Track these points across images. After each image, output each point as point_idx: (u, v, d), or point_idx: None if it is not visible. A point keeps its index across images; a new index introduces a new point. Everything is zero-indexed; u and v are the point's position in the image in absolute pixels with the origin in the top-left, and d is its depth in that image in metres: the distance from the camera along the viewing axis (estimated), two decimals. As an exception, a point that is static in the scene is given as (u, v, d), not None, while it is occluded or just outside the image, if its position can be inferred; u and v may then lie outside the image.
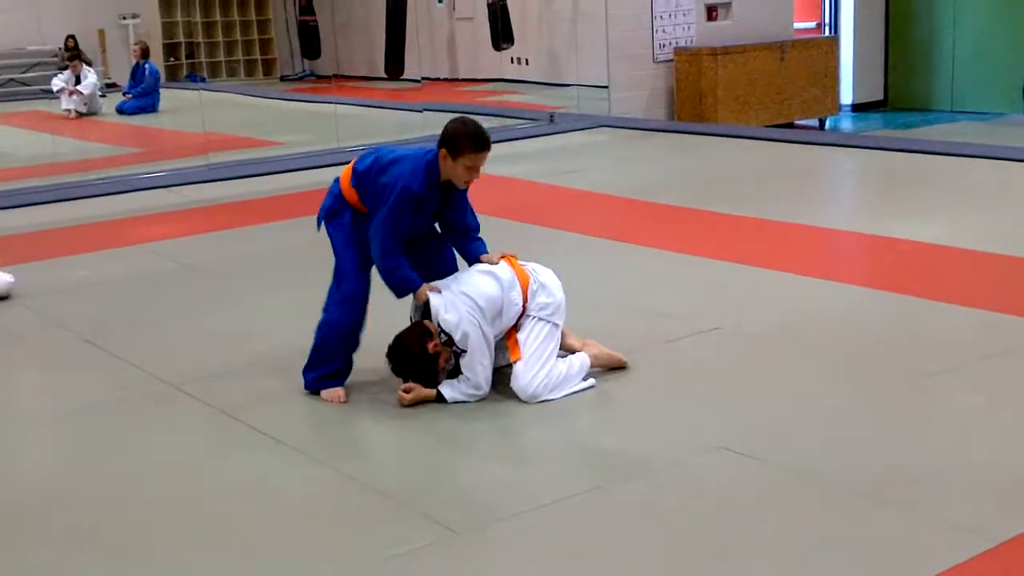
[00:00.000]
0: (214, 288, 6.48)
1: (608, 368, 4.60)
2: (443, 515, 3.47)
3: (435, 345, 4.34)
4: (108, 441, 4.30)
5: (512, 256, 4.61)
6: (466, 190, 4.60)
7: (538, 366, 4.36)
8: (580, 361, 4.49)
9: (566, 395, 4.38)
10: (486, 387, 4.38)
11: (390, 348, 4.42)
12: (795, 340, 4.97)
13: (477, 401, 4.36)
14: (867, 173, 9.54)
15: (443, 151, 4.42)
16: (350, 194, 4.54)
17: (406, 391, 4.35)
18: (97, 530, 3.56)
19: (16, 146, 13.83)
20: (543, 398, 4.34)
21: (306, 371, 4.55)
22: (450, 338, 4.32)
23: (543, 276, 4.58)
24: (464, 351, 4.33)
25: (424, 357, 4.34)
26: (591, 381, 4.46)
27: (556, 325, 4.48)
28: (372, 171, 4.47)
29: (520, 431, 4.20)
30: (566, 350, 4.55)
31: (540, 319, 4.45)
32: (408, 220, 4.38)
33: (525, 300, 4.45)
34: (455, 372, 4.43)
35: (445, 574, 3.18)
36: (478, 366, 4.34)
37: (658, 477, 3.69)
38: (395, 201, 4.33)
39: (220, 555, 3.36)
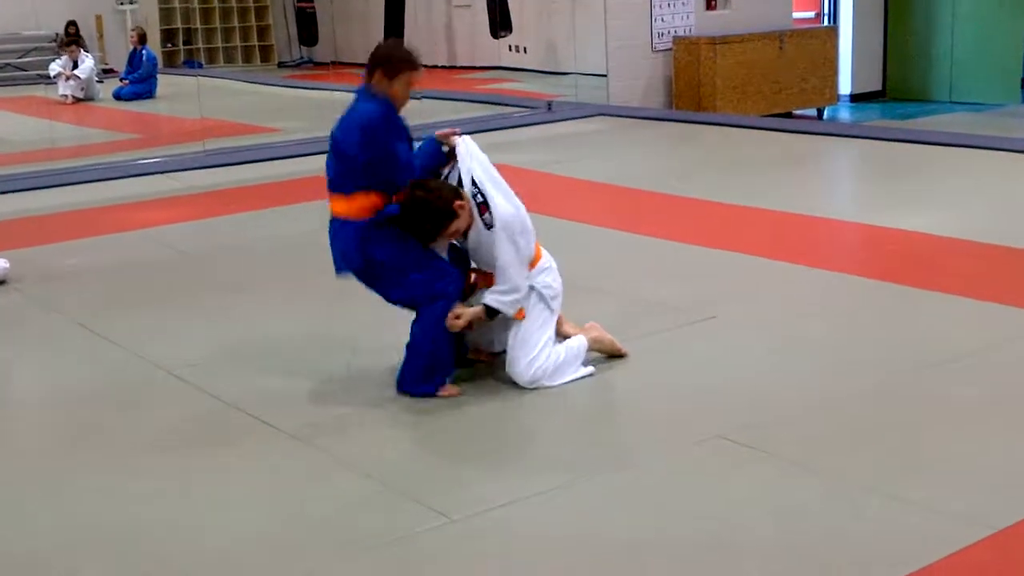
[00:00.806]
0: (210, 274, 6.47)
1: (607, 355, 4.58)
2: (438, 502, 3.47)
3: (461, 206, 4.24)
4: (101, 425, 4.29)
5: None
6: None
7: (536, 351, 4.34)
8: (578, 344, 4.46)
9: (565, 382, 4.37)
10: (524, 286, 4.30)
11: (412, 188, 4.28)
12: (792, 330, 4.96)
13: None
14: (865, 163, 9.53)
15: (379, 74, 4.33)
16: (351, 202, 4.39)
17: (456, 316, 4.26)
18: (83, 516, 3.56)
19: (13, 131, 13.79)
20: (542, 383, 4.33)
21: (422, 384, 4.35)
22: (485, 201, 4.24)
23: (553, 263, 4.56)
24: (492, 227, 4.24)
25: (443, 211, 4.21)
26: (590, 369, 4.45)
27: (553, 312, 4.47)
28: (341, 144, 4.37)
29: (517, 418, 4.19)
30: (561, 337, 4.54)
31: (540, 300, 4.40)
32: (396, 144, 4.29)
33: (532, 267, 4.42)
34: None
35: (441, 561, 3.18)
36: (511, 270, 4.25)
37: (655, 466, 3.69)
38: (377, 137, 4.25)
39: (211, 537, 3.35)
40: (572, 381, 4.38)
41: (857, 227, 6.89)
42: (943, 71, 14.81)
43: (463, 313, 4.28)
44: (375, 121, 4.26)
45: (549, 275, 4.47)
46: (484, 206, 4.27)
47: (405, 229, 4.28)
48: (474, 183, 4.29)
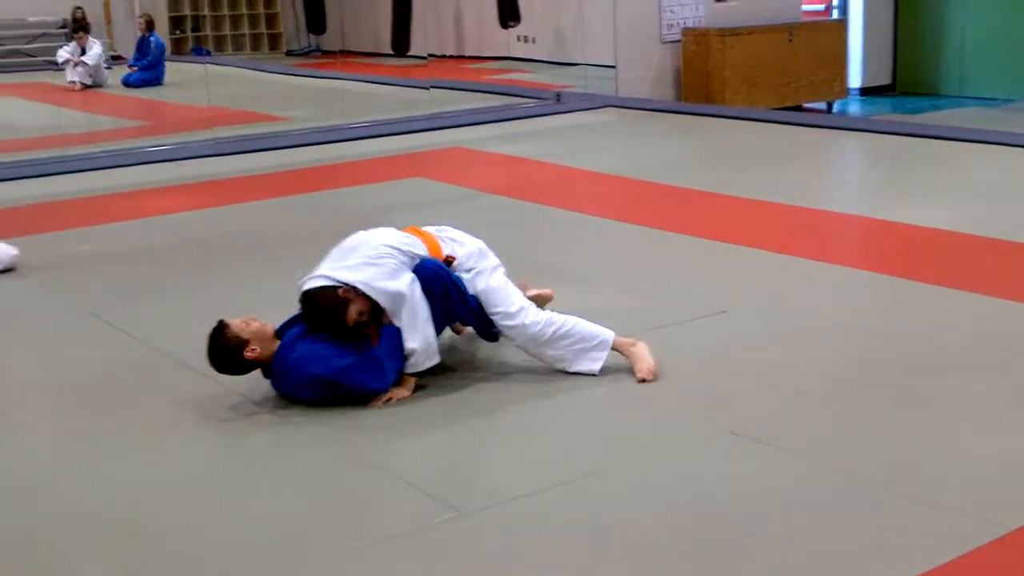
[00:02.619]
0: (218, 263, 6.47)
1: (630, 365, 4.44)
2: (448, 495, 3.46)
3: (346, 291, 4.18)
4: (110, 413, 4.28)
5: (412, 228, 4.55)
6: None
7: (520, 302, 4.34)
8: (595, 330, 4.39)
9: (575, 371, 4.36)
10: (432, 336, 4.25)
11: (302, 305, 4.27)
12: (802, 325, 4.95)
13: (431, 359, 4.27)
14: (875, 157, 9.50)
15: None
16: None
17: (389, 399, 4.20)
18: (94, 504, 3.56)
19: (21, 117, 13.80)
20: (546, 338, 4.30)
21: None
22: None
23: (449, 233, 4.56)
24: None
25: (334, 305, 4.17)
26: (597, 367, 4.39)
27: (496, 266, 4.46)
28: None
29: (527, 412, 4.18)
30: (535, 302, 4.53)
31: (474, 270, 4.40)
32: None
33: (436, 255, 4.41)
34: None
35: (451, 554, 3.17)
36: (418, 323, 4.21)
37: (665, 461, 3.68)
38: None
39: (221, 526, 3.35)
40: (579, 373, 4.36)
41: (867, 221, 6.86)
42: (954, 65, 14.75)
43: (395, 394, 4.22)
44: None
45: (455, 246, 4.47)
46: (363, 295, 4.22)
47: (322, 333, 4.23)
48: (348, 285, 4.21)
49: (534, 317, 4.35)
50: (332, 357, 4.16)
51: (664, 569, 3.04)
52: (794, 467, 3.59)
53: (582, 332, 4.38)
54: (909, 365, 4.42)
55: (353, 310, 4.19)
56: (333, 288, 4.21)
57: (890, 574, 2.97)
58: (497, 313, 4.36)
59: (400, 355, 4.24)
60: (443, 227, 4.63)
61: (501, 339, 4.49)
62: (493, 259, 4.52)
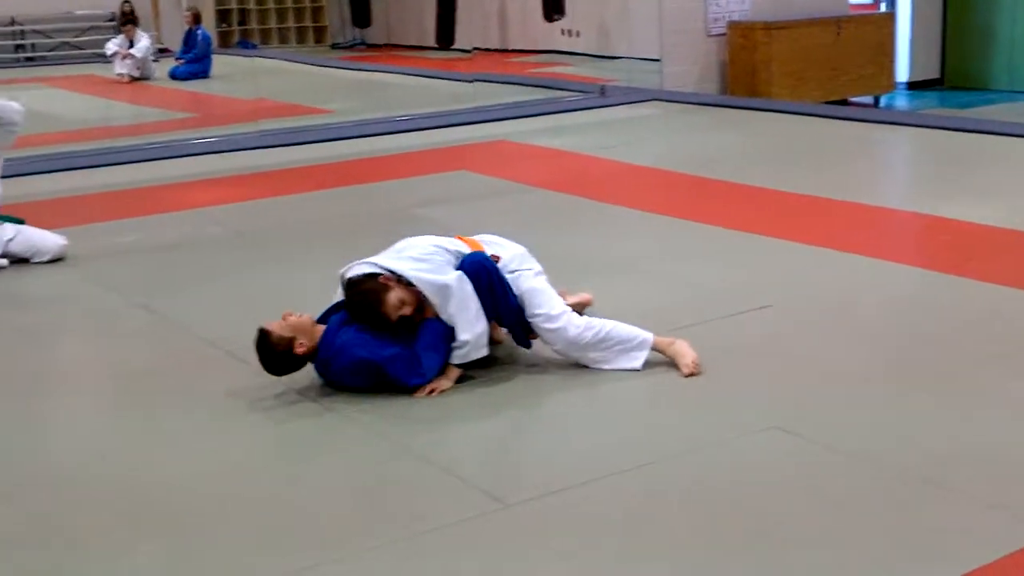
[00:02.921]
0: (264, 254, 6.51)
1: (673, 362, 4.43)
2: (493, 487, 3.47)
3: (387, 279, 4.22)
4: (157, 403, 4.33)
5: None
6: None
7: (561, 307, 4.36)
8: (633, 333, 4.39)
9: (613, 368, 4.36)
10: (484, 329, 4.28)
11: (346, 292, 4.31)
12: (847, 320, 4.92)
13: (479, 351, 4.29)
14: (922, 152, 9.42)
15: None
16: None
17: (432, 390, 4.22)
18: (142, 491, 3.60)
19: (69, 109, 13.95)
20: (584, 342, 4.31)
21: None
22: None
23: (491, 238, 4.60)
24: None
25: (374, 290, 4.20)
26: (638, 364, 4.37)
27: (539, 271, 4.49)
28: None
29: (570, 403, 4.18)
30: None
31: (517, 271, 4.43)
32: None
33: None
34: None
35: (494, 545, 3.18)
36: (471, 316, 4.24)
37: (707, 456, 3.67)
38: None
39: (267, 515, 3.38)
40: (619, 370, 4.36)
41: (915, 216, 6.81)
42: (1003, 59, 14.57)
43: (438, 385, 4.24)
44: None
45: (496, 249, 4.51)
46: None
47: (363, 323, 4.26)
48: (392, 272, 4.26)
49: (575, 322, 4.36)
50: (376, 345, 4.19)
51: (707, 563, 3.04)
52: (837, 463, 3.57)
53: (621, 335, 4.38)
54: (956, 362, 4.38)
55: (394, 296, 4.20)
56: (375, 275, 4.25)
57: (934, 572, 2.95)
58: (539, 316, 4.36)
59: (442, 349, 4.25)
60: (484, 235, 4.67)
61: (537, 343, 4.49)
62: (536, 264, 4.55)
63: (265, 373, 4.29)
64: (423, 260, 4.31)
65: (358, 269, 4.31)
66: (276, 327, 4.23)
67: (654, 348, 4.40)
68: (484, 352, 4.31)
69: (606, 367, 4.36)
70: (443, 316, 4.24)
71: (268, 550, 3.20)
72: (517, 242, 4.66)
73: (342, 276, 4.36)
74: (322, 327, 4.30)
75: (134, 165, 9.40)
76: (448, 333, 4.26)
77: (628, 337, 4.38)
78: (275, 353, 4.22)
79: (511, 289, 4.37)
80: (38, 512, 3.50)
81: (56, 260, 6.38)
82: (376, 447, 3.86)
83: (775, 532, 3.17)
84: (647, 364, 4.37)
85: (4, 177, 6.53)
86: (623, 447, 3.76)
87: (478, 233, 4.69)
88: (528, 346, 4.49)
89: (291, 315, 4.28)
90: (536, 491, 3.45)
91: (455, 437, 3.97)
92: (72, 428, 4.25)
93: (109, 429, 4.22)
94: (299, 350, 4.21)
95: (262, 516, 3.41)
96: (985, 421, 3.86)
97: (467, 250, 4.43)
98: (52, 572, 3.17)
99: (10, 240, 6.33)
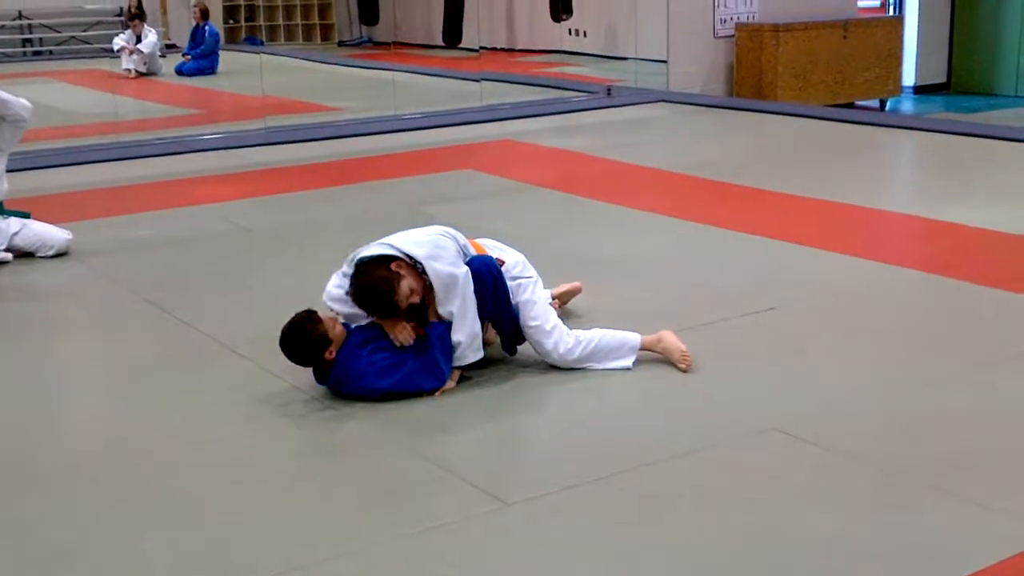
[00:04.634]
0: (270, 251, 6.52)
1: (666, 359, 4.48)
2: (493, 487, 3.48)
3: (398, 265, 4.19)
4: (161, 399, 4.34)
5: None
6: None
7: (554, 320, 4.39)
8: (621, 336, 4.44)
9: (605, 368, 4.38)
10: (478, 331, 4.29)
11: (353, 282, 4.24)
12: (850, 322, 4.92)
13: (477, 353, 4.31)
14: (928, 156, 9.41)
15: None
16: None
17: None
18: (150, 484, 3.61)
19: (77, 104, 13.95)
20: (574, 357, 4.35)
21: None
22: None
23: (493, 243, 4.62)
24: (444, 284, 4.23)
25: (385, 278, 4.16)
26: (629, 363, 4.41)
27: (536, 280, 4.51)
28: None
29: (570, 404, 4.19)
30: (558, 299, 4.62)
31: (518, 279, 4.44)
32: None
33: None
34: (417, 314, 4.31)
35: (495, 544, 3.18)
36: (467, 317, 4.25)
37: (708, 457, 3.67)
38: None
39: (268, 513, 3.39)
40: (612, 369, 4.38)
41: (919, 221, 6.80)
42: (1010, 64, 14.57)
43: (445, 389, 4.26)
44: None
45: (498, 253, 4.53)
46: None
47: (371, 313, 4.25)
48: (407, 255, 4.24)
49: (565, 338, 4.38)
50: (390, 368, 4.18)
51: (707, 563, 3.04)
52: (840, 465, 3.58)
53: (610, 344, 4.43)
54: (957, 365, 4.38)
55: (405, 285, 4.18)
56: (388, 259, 4.21)
57: (934, 574, 2.95)
58: (533, 327, 4.39)
59: (450, 351, 4.27)
60: (486, 239, 4.67)
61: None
62: (534, 272, 4.57)
63: (279, 351, 4.23)
64: (438, 247, 4.29)
65: (374, 250, 4.28)
66: (327, 322, 4.20)
67: (643, 348, 4.45)
68: (480, 355, 4.34)
69: (598, 367, 4.40)
70: (442, 311, 4.25)
71: (271, 546, 3.21)
72: (523, 241, 4.68)
73: (351, 259, 4.33)
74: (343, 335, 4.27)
75: (141, 160, 9.42)
76: (450, 335, 4.28)
77: (616, 345, 4.44)
78: (310, 341, 4.17)
79: (511, 295, 4.39)
80: (49, 500, 3.51)
81: (61, 254, 6.39)
82: (379, 446, 3.86)
83: (775, 533, 3.17)
84: (646, 364, 4.40)
85: (10, 171, 6.54)
86: (623, 447, 3.76)
87: (480, 237, 4.69)
88: (513, 352, 4.51)
89: (339, 324, 4.26)
90: (537, 491, 3.45)
91: (455, 437, 3.97)
92: (74, 422, 4.26)
93: (111, 423, 4.23)
94: (328, 357, 4.20)
95: (267, 510, 3.42)
96: (985, 422, 3.86)
97: (472, 251, 4.44)
98: (63, 558, 3.18)
99: (15, 234, 6.34)
